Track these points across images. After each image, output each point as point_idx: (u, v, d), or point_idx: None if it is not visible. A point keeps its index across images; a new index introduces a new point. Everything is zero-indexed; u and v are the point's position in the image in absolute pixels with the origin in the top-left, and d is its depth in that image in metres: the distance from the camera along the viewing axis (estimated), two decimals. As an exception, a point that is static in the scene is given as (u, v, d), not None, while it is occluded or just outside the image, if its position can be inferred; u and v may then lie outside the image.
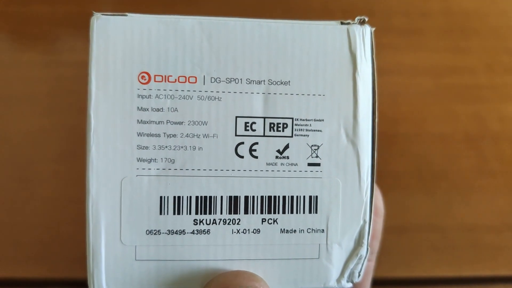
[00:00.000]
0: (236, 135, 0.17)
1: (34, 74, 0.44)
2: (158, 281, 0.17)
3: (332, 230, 0.17)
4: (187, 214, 0.17)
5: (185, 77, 0.18)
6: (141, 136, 0.17)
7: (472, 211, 0.36)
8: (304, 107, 0.17)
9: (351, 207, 0.18)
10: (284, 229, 0.17)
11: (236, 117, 0.17)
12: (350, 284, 0.18)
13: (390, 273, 0.33)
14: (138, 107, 0.17)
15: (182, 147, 0.17)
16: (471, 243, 0.34)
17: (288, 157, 0.17)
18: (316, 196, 0.17)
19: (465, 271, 0.33)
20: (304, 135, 0.17)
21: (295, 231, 0.17)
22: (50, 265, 0.32)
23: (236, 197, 0.17)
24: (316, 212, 0.17)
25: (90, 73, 0.17)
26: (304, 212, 0.17)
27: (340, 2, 0.52)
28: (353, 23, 0.18)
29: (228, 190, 0.17)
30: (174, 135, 0.17)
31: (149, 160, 0.17)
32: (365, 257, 0.18)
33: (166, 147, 0.17)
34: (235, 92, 0.17)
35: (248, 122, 0.17)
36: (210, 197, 0.17)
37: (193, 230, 0.17)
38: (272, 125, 0.17)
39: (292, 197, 0.17)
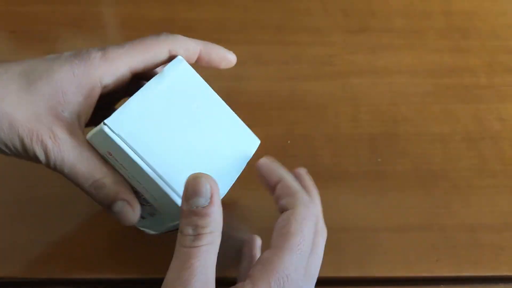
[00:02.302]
0: None
1: (34, 74, 0.44)
2: None
3: None
4: None
5: None
6: None
7: (472, 211, 0.36)
8: None
9: None
10: None
11: None
12: None
13: (390, 272, 0.33)
14: None
15: None
16: (472, 243, 0.34)
17: None
18: None
19: (465, 271, 0.33)
20: None
21: None
22: (50, 265, 0.32)
23: None
24: None
25: None
26: None
27: (340, 3, 0.52)
28: None
29: None
30: None
31: None
32: None
33: None
34: None
35: None
36: None
37: None
38: None
39: None
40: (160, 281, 0.32)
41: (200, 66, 0.29)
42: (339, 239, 0.34)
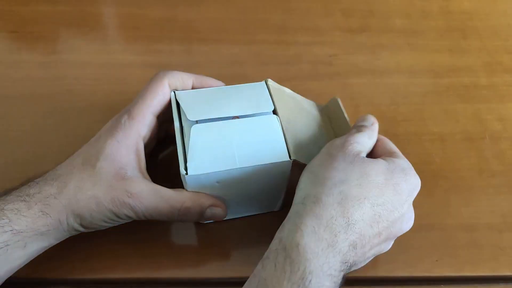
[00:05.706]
0: None
1: (34, 74, 0.44)
2: None
3: None
4: None
5: None
6: None
7: (472, 211, 0.36)
8: None
9: None
10: None
11: None
12: None
13: (391, 272, 0.33)
14: None
15: None
16: (472, 243, 0.34)
17: None
18: None
19: (465, 271, 0.33)
20: None
21: None
22: (50, 265, 0.32)
23: None
24: None
25: None
26: None
27: (340, 3, 0.52)
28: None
29: None
30: None
31: None
32: None
33: None
34: None
35: None
36: None
37: None
38: None
39: None
40: (161, 281, 0.32)
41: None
42: (339, 239, 0.34)
